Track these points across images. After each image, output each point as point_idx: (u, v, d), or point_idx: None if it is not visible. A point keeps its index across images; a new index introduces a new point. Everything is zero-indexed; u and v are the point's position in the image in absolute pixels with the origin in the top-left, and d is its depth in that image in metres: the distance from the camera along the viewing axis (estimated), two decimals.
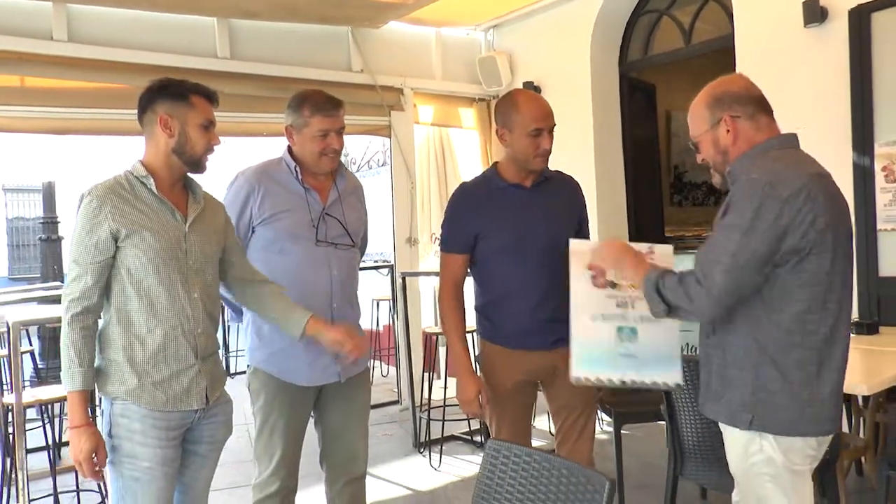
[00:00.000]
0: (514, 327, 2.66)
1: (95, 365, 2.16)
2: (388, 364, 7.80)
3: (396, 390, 6.57)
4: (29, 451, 4.56)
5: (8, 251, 19.26)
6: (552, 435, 4.94)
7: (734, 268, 1.88)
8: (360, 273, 2.89)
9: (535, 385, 2.76)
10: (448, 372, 5.47)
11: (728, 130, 2.05)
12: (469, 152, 6.87)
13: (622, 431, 4.74)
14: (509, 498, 1.72)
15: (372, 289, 7.77)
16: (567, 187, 2.84)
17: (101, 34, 4.90)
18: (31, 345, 6.17)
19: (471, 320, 2.79)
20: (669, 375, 2.26)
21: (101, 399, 2.21)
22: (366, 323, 7.83)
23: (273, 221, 2.61)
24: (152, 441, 2.13)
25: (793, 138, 2.09)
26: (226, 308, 2.84)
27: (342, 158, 2.85)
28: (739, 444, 2.02)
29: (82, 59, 4.80)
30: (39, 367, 7.59)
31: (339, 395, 2.73)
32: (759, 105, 2.06)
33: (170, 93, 2.22)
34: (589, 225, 2.90)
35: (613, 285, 2.32)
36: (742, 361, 1.99)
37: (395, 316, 6.25)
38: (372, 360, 7.82)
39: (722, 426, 2.08)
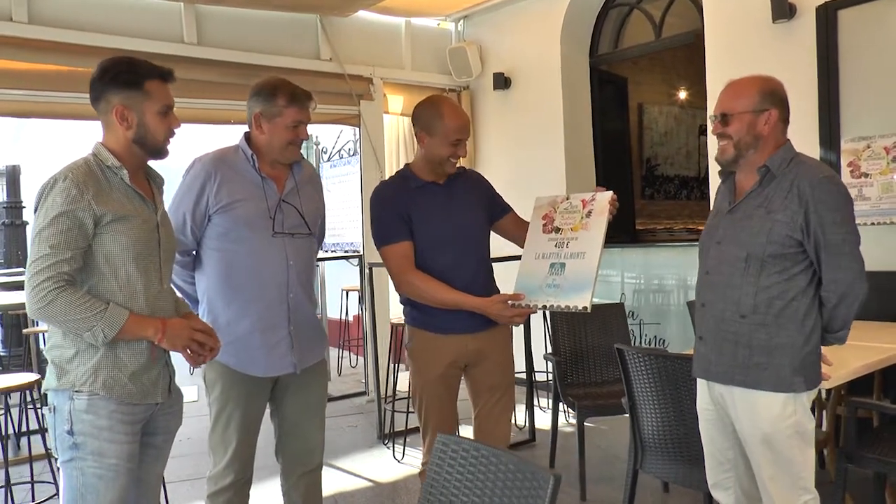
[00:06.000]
0: (442, 313, 2.75)
1: (57, 354, 2.06)
2: (357, 355, 7.76)
3: (364, 381, 6.54)
4: None
5: None
6: (518, 427, 5.00)
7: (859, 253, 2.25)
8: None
9: (461, 370, 2.88)
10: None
11: (767, 122, 2.28)
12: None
13: (589, 424, 4.78)
14: (456, 493, 1.70)
15: (341, 278, 7.74)
16: (472, 179, 3.02)
17: (63, 16, 4.79)
18: None
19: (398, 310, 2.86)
20: (580, 300, 2.53)
21: (46, 395, 2.10)
22: (334, 312, 7.86)
23: (229, 210, 2.55)
24: (120, 437, 2.06)
25: None
26: None
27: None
28: (775, 408, 2.25)
29: (43, 41, 4.69)
30: (1, 354, 7.46)
31: (295, 386, 2.69)
32: (788, 115, 2.34)
33: (122, 81, 2.11)
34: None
35: (557, 230, 2.72)
36: (796, 333, 2.25)
37: (364, 306, 6.21)
38: (340, 350, 7.81)
39: (747, 392, 2.29)
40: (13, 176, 8.65)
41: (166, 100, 2.18)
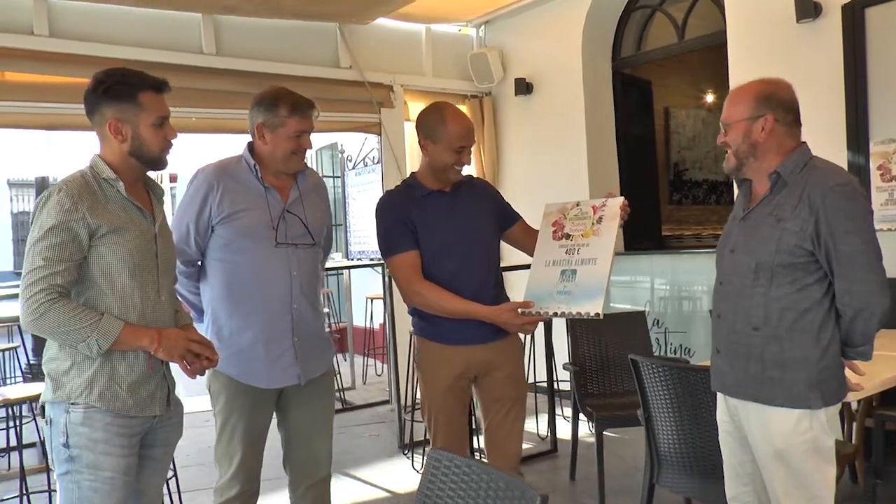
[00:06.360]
0: (450, 323, 2.71)
1: (53, 366, 2.06)
2: (383, 363, 7.74)
3: (388, 389, 6.50)
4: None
5: (13, 246, 19.25)
6: (540, 437, 4.93)
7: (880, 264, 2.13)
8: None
9: (470, 381, 2.83)
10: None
11: (763, 129, 2.19)
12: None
13: (612, 435, 4.69)
14: None
15: (367, 286, 7.73)
16: (478, 187, 2.97)
17: (83, 29, 4.84)
18: (21, 341, 6.11)
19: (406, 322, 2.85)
20: (591, 307, 2.50)
21: (44, 407, 2.09)
22: (359, 320, 7.85)
23: (232, 220, 2.54)
24: (116, 450, 2.05)
25: None
26: None
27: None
28: (789, 423, 2.14)
29: (64, 53, 4.75)
30: (32, 362, 7.56)
31: (301, 397, 2.66)
32: (796, 116, 2.23)
33: (115, 94, 2.10)
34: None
35: (568, 237, 2.68)
36: (810, 346, 2.13)
37: (385, 315, 6.18)
38: (365, 358, 7.79)
39: (761, 407, 2.19)
40: (42, 187, 8.77)
41: (161, 111, 2.16)
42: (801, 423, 2.14)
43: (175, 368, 2.22)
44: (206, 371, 2.59)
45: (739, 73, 4.73)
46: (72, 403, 2.02)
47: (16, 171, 16.59)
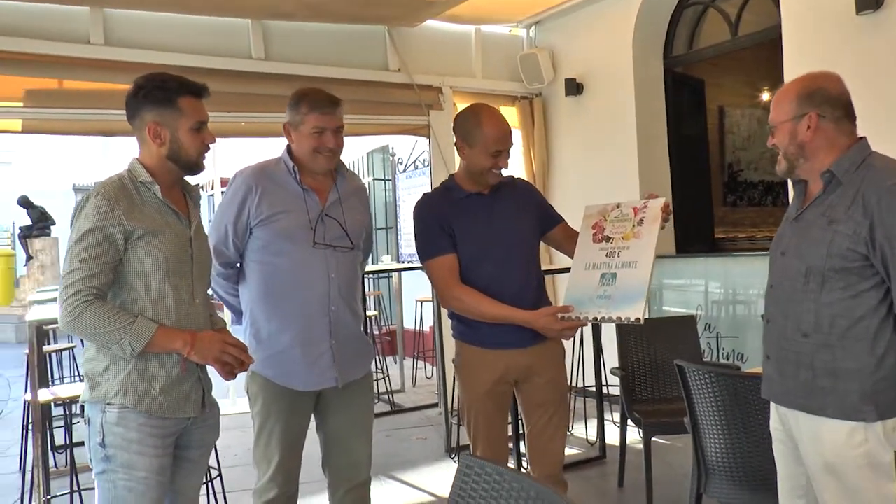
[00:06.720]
0: (489, 327, 2.67)
1: (91, 367, 2.10)
2: (433, 365, 7.73)
3: (437, 392, 6.48)
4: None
5: None
6: (588, 443, 4.85)
7: None
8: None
9: (510, 385, 2.79)
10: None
11: (809, 127, 2.09)
12: (511, 151, 6.72)
13: (662, 441, 4.58)
14: None
15: (416, 289, 7.73)
16: (520, 188, 2.91)
17: (136, 37, 4.94)
18: (70, 342, 6.28)
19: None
20: (632, 312, 2.45)
21: (83, 407, 2.14)
22: (409, 323, 7.85)
23: (270, 222, 2.54)
24: (149, 450, 2.07)
25: None
26: None
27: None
28: (841, 435, 2.03)
29: (120, 62, 4.86)
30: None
31: (339, 400, 2.65)
32: (846, 110, 2.11)
33: (155, 99, 2.13)
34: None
35: (608, 239, 2.62)
36: (865, 356, 2.02)
37: (434, 317, 6.17)
38: (415, 361, 7.79)
39: (811, 417, 2.09)
40: None
41: (199, 116, 2.18)
42: (855, 436, 2.02)
43: (213, 370, 2.23)
44: (245, 373, 2.62)
45: (795, 69, 4.56)
46: (108, 404, 2.06)
47: (80, 176, 17.12)
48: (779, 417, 2.27)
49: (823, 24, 4.46)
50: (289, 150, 2.63)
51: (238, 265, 2.66)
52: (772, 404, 2.31)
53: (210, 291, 2.47)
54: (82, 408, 2.15)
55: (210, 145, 2.24)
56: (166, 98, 2.14)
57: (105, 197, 2.04)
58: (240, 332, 2.73)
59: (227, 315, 2.92)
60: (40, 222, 13.73)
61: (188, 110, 2.16)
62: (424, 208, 2.78)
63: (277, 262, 2.55)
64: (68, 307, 1.98)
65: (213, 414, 2.31)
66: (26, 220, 14.19)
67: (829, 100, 2.09)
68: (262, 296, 2.58)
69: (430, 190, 2.95)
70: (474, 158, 2.69)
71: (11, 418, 6.59)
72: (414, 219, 2.79)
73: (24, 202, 14.02)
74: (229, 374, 2.17)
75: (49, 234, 13.91)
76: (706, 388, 2.76)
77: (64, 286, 2.00)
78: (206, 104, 2.23)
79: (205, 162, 2.25)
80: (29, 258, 13.70)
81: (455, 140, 2.75)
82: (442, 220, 2.70)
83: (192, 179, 2.33)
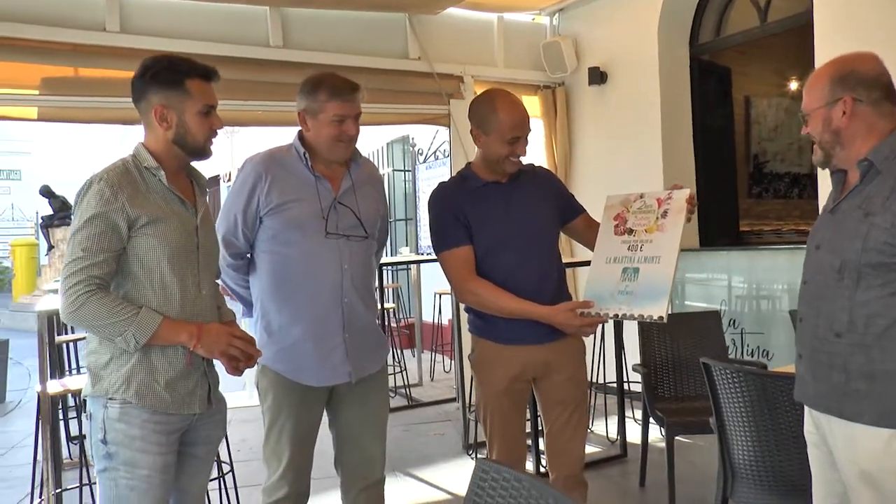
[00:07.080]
0: (506, 322, 2.58)
1: (93, 360, 2.02)
2: (452, 359, 7.64)
3: (455, 387, 6.40)
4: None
5: None
6: (609, 441, 4.74)
7: None
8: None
9: (528, 382, 2.70)
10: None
11: (844, 112, 1.95)
12: (533, 141, 6.61)
13: (685, 440, 4.47)
14: None
15: (435, 282, 7.64)
16: (540, 177, 2.81)
17: (153, 25, 4.88)
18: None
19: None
20: (655, 309, 2.37)
21: (85, 402, 2.06)
22: (428, 316, 7.76)
23: (281, 211, 2.45)
24: (153, 447, 1.99)
25: None
26: None
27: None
28: (878, 443, 1.90)
29: (136, 49, 4.79)
30: None
31: (352, 396, 2.57)
32: (886, 91, 1.96)
33: (162, 80, 2.04)
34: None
35: (630, 231, 2.52)
36: None
37: (454, 310, 6.08)
38: (433, 354, 7.70)
39: (846, 423, 1.96)
40: None
41: (208, 99, 2.10)
42: (893, 444, 1.89)
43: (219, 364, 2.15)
44: (255, 367, 2.54)
45: (827, 53, 4.36)
46: (109, 398, 1.98)
47: (100, 165, 17.22)
48: (812, 421, 2.15)
49: (858, 8, 4.29)
50: (300, 136, 2.54)
51: (248, 255, 2.58)
52: (805, 407, 2.19)
53: (220, 282, 2.40)
54: (85, 402, 2.08)
55: (218, 130, 2.15)
56: (174, 79, 2.05)
57: (108, 182, 1.96)
58: (250, 325, 2.66)
59: (237, 307, 2.84)
60: (62, 212, 13.79)
61: (196, 93, 2.07)
62: (439, 198, 2.68)
63: (288, 253, 2.47)
64: (70, 297, 1.91)
65: (220, 410, 2.23)
66: (48, 210, 14.28)
67: (864, 81, 1.94)
68: (272, 287, 2.50)
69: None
70: (490, 146, 2.59)
71: (29, 408, 6.59)
72: (429, 209, 2.71)
73: (46, 192, 14.11)
74: (235, 369, 2.08)
75: (70, 224, 13.98)
76: (734, 387, 2.65)
77: (66, 276, 1.93)
78: (223, 92, 2.16)
79: (212, 147, 2.17)
80: (50, 247, 13.78)
81: (471, 128, 2.65)
82: (457, 210, 2.61)
83: (200, 167, 2.26)
